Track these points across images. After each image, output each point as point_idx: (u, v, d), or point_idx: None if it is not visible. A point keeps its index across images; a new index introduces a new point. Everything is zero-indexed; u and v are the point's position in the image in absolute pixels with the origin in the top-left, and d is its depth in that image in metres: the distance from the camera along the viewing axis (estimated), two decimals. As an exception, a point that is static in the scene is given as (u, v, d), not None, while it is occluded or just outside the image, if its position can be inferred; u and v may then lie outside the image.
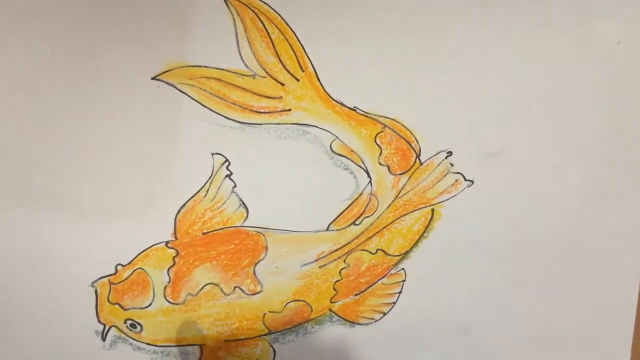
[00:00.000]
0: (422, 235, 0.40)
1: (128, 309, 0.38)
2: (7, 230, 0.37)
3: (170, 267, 0.38)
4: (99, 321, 0.38)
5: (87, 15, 0.35)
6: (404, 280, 0.40)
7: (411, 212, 0.39)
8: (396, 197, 0.39)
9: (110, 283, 0.38)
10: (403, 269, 0.40)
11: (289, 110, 0.37)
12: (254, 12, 0.35)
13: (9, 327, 0.38)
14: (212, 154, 0.37)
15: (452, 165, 0.39)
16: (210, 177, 0.37)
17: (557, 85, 0.38)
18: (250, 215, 0.38)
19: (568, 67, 0.38)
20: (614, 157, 0.40)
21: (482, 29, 0.37)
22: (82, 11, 0.35)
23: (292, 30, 0.36)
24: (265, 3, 0.35)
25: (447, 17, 0.37)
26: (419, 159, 0.39)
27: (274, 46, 0.36)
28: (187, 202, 0.38)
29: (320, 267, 0.39)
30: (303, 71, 0.37)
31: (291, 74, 0.37)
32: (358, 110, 0.38)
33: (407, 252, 0.40)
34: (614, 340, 0.43)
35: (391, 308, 0.41)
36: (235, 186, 0.38)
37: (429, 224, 0.40)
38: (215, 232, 0.38)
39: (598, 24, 0.38)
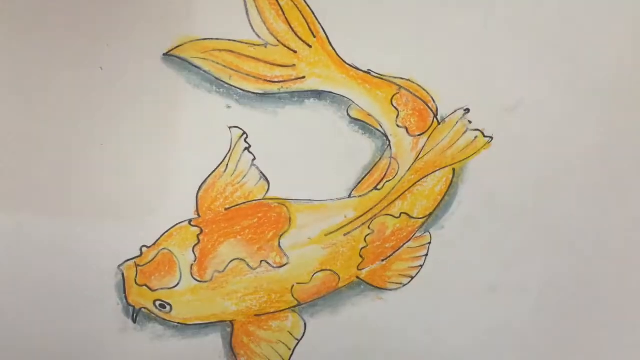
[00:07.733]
0: (445, 195, 0.39)
1: (156, 289, 0.38)
2: (31, 215, 0.37)
3: (195, 245, 0.38)
4: (128, 303, 0.38)
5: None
6: (429, 243, 0.40)
7: (432, 172, 0.39)
8: (416, 158, 0.39)
9: (137, 265, 0.38)
10: (428, 231, 0.40)
11: (303, 77, 0.37)
12: (261, -21, 0.35)
13: (39, 311, 0.38)
14: (230, 128, 0.37)
15: (470, 122, 0.38)
16: (229, 151, 0.37)
17: (573, 31, 0.38)
18: (271, 187, 0.38)
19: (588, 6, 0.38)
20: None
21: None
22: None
23: (301, -5, 0.36)
24: (272, -31, 0.35)
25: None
26: (437, 119, 0.38)
27: (283, 13, 0.36)
28: (207, 178, 0.37)
29: (344, 234, 0.39)
30: (315, 37, 0.36)
31: (303, 41, 0.36)
32: (372, 73, 0.37)
33: (431, 214, 0.40)
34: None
35: (419, 271, 0.40)
36: (254, 159, 0.37)
37: (451, 184, 0.39)
38: (237, 206, 0.38)
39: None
